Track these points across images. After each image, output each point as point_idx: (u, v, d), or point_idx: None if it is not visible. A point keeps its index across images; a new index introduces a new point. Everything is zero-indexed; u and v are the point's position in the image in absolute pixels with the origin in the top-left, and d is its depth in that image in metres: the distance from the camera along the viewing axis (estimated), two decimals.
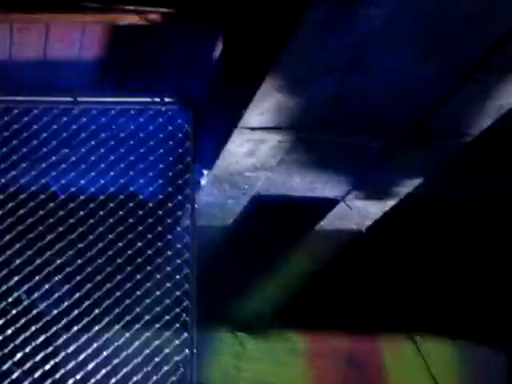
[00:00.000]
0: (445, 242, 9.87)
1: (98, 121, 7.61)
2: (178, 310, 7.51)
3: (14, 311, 8.24)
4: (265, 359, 11.26)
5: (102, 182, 7.91)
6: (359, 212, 8.74)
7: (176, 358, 7.90)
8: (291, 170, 7.75)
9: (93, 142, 7.65)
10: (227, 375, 10.63)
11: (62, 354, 9.17)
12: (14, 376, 8.96)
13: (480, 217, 9.63)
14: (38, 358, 8.71)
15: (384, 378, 10.42)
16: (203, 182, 7.66)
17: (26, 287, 9.09)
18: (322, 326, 11.04)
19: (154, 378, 9.26)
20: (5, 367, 8.78)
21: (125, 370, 8.36)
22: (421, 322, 10.51)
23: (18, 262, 8.41)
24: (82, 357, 10.75)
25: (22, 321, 8.25)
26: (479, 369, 11.24)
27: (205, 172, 7.73)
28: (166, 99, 7.53)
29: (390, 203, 8.52)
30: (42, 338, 8.59)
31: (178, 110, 7.53)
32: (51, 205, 7.84)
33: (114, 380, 8.21)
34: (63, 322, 8.96)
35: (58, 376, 9.86)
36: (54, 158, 7.70)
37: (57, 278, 8.77)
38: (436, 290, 10.36)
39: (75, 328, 8.56)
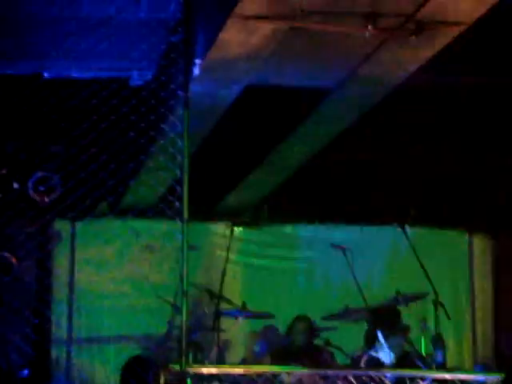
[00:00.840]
0: (437, 129, 9.54)
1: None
2: (171, 197, 7.49)
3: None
4: (257, 248, 11.44)
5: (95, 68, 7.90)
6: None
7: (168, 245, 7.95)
8: (284, 60, 7.71)
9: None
10: (217, 258, 10.77)
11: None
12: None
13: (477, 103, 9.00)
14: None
15: None
16: (196, 71, 7.61)
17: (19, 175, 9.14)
18: (308, 214, 11.17)
19: None
20: None
21: None
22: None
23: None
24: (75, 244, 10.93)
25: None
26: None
27: (197, 61, 7.67)
28: None
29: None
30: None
31: None
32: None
33: None
34: (56, 210, 9.00)
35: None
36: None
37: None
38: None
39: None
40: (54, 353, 10.15)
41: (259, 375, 8.06)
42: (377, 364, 8.47)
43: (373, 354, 8.68)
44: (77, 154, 8.27)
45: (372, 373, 8.29)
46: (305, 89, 8.42)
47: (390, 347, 8.59)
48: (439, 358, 8.91)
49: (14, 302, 8.36)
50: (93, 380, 10.40)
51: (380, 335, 8.63)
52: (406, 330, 9.07)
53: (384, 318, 9.01)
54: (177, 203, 7.23)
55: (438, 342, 9.26)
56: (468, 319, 11.34)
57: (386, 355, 8.55)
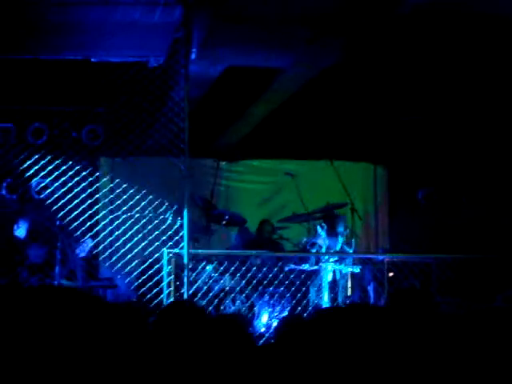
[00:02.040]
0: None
1: None
2: (176, 141, 7.56)
3: None
4: (235, 175, 11.45)
5: (126, 55, 7.88)
6: None
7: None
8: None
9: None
10: (207, 183, 10.80)
11: None
12: None
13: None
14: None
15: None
16: (193, 56, 7.65)
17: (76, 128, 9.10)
18: (269, 152, 11.14)
19: None
20: None
21: None
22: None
23: None
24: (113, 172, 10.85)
25: None
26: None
27: (193, 50, 7.69)
28: None
29: None
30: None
31: None
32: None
33: None
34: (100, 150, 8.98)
35: None
36: None
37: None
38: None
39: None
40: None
41: (236, 257, 8.28)
42: (317, 246, 8.63)
43: (314, 240, 8.85)
44: (114, 112, 8.34)
45: (310, 255, 8.56)
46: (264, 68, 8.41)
47: (326, 236, 8.73)
48: (353, 245, 9.07)
49: (75, 210, 8.35)
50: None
51: (319, 228, 8.76)
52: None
53: (328, 216, 9.11)
54: (181, 145, 7.36)
55: (353, 235, 9.45)
56: (372, 220, 11.46)
57: (322, 241, 8.69)
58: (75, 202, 8.32)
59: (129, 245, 7.82)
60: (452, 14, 6.28)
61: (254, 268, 8.20)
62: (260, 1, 6.62)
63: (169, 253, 7.31)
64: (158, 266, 7.62)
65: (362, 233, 10.70)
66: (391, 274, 8.55)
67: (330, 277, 8.26)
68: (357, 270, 8.52)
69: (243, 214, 10.35)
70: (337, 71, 8.29)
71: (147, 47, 7.94)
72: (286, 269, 8.20)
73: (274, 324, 8.16)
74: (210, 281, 8.14)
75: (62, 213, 8.06)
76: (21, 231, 8.07)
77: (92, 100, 8.96)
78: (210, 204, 9.78)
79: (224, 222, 9.84)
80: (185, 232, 7.13)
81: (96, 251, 7.95)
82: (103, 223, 8.71)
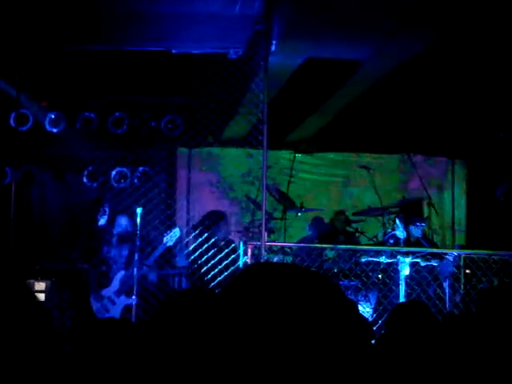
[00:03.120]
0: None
1: None
2: (255, 133, 7.57)
3: None
4: (311, 168, 11.42)
5: (206, 46, 7.93)
6: None
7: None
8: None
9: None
10: (284, 174, 10.80)
11: None
12: None
13: None
14: None
15: None
16: (273, 48, 7.65)
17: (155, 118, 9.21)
18: (344, 145, 11.05)
19: None
20: None
21: None
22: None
23: None
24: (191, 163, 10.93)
25: None
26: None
27: (274, 42, 7.70)
28: None
29: None
30: None
31: None
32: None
33: None
34: (179, 140, 9.06)
35: None
36: None
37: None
38: None
39: None
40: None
41: (312, 249, 8.26)
42: (395, 238, 8.56)
43: (392, 232, 8.70)
44: (193, 103, 8.38)
45: (385, 248, 8.45)
46: (343, 60, 8.33)
47: (407, 229, 8.58)
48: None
49: (154, 198, 8.49)
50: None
51: (398, 220, 8.61)
52: (424, 219, 9.02)
53: (406, 209, 8.95)
54: (259, 137, 7.37)
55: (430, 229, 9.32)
56: (449, 215, 11.29)
57: (400, 233, 8.54)
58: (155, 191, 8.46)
59: (205, 235, 7.90)
60: None
61: (330, 260, 8.18)
62: None
63: (245, 243, 7.34)
64: (233, 256, 7.69)
65: (438, 228, 10.51)
66: (468, 271, 8.40)
67: (407, 271, 8.15)
68: (435, 263, 8.38)
69: (318, 205, 10.37)
70: (415, 63, 8.12)
71: (227, 39, 7.97)
72: (363, 260, 8.10)
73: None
74: None
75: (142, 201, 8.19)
76: (104, 218, 8.24)
77: (172, 91, 9.06)
78: (286, 196, 9.77)
79: (299, 214, 9.84)
80: (263, 223, 7.13)
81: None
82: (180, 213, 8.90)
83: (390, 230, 8.71)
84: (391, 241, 8.43)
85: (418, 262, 8.24)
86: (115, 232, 8.21)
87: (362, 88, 9.12)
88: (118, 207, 8.55)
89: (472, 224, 10.94)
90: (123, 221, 8.20)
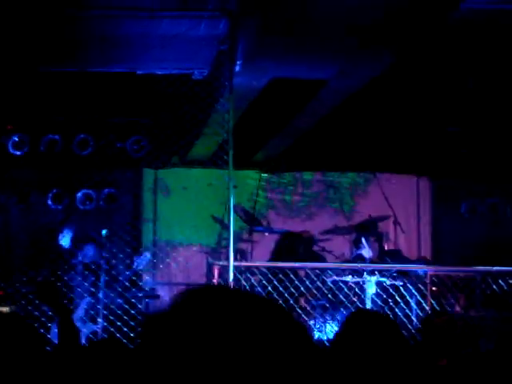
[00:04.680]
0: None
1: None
2: (220, 153, 7.55)
3: None
4: (276, 187, 11.36)
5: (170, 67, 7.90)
6: None
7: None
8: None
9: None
10: (250, 195, 10.74)
11: None
12: None
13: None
14: None
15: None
16: (237, 68, 7.64)
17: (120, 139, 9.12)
18: (309, 165, 11.00)
19: None
20: None
21: None
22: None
23: None
24: (157, 184, 10.83)
25: None
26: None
27: (238, 62, 7.69)
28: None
29: None
30: None
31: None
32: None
33: None
34: (144, 162, 8.96)
35: None
36: None
37: None
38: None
39: None
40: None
41: (279, 269, 8.21)
42: (360, 258, 8.55)
43: (358, 252, 8.72)
44: (159, 123, 8.36)
45: (353, 266, 8.46)
46: (307, 79, 8.32)
47: (370, 248, 8.61)
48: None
49: (119, 220, 8.44)
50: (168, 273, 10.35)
51: (363, 239, 8.63)
52: (380, 236, 9.07)
53: (366, 229, 8.99)
54: (225, 157, 7.34)
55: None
56: (415, 232, 11.30)
57: (366, 253, 8.56)
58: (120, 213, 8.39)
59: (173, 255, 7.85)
60: (508, 18, 6.13)
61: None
62: (305, 12, 6.57)
63: (213, 264, 7.29)
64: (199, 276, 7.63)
65: (404, 246, 10.54)
66: (434, 288, 8.43)
67: (373, 290, 8.15)
68: (400, 283, 8.40)
69: (285, 227, 10.28)
70: (380, 82, 8.16)
71: (192, 60, 7.95)
72: (329, 280, 8.09)
73: (316, 336, 8.10)
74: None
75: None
76: (65, 240, 8.14)
77: (137, 111, 9.02)
78: (253, 217, 9.74)
79: (266, 234, 9.80)
80: (230, 243, 7.09)
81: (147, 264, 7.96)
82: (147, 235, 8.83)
83: (355, 250, 8.72)
84: (358, 261, 8.46)
85: (383, 281, 8.26)
86: (81, 260, 8.09)
87: (328, 107, 9.11)
88: (84, 230, 8.46)
89: (438, 240, 10.99)
90: (91, 250, 8.10)
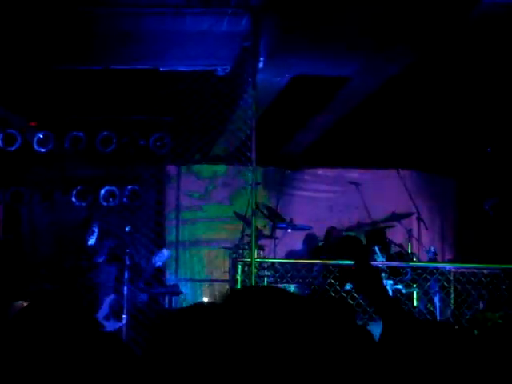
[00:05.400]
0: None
1: None
2: (244, 149, 7.54)
3: None
4: (299, 184, 11.31)
5: (194, 64, 7.91)
6: None
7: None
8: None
9: None
10: (273, 191, 10.70)
11: None
12: None
13: None
14: None
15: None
16: (260, 65, 7.65)
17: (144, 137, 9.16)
18: (340, 161, 10.97)
19: None
20: None
21: None
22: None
23: None
24: (180, 180, 10.84)
25: None
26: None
27: (261, 59, 7.69)
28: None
29: None
30: None
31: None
32: None
33: None
34: (168, 158, 8.98)
35: None
36: None
37: None
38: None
39: None
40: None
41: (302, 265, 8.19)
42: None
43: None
44: (182, 120, 8.35)
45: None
46: (331, 76, 8.32)
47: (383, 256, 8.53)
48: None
49: (142, 217, 8.45)
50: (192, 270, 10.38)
51: (377, 249, 8.54)
52: (388, 245, 9.00)
53: (375, 238, 8.91)
54: (248, 153, 7.34)
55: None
56: (439, 229, 11.24)
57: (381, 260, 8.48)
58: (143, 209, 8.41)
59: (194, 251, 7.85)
60: None
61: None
62: (328, 9, 6.56)
63: (235, 259, 7.30)
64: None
65: (427, 243, 10.48)
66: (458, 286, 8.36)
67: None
68: (414, 290, 8.31)
69: (308, 222, 10.27)
70: (404, 79, 8.14)
71: (215, 56, 7.97)
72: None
73: None
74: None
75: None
76: (93, 238, 8.17)
77: (160, 108, 9.03)
78: (275, 213, 9.72)
79: (289, 231, 9.79)
80: (252, 240, 7.09)
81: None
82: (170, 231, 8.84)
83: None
84: None
85: (399, 289, 8.18)
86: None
87: (351, 104, 9.10)
88: (108, 227, 8.49)
89: (461, 238, 10.91)
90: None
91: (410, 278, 8.11)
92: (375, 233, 9.19)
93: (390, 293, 7.97)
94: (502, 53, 7.00)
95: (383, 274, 8.02)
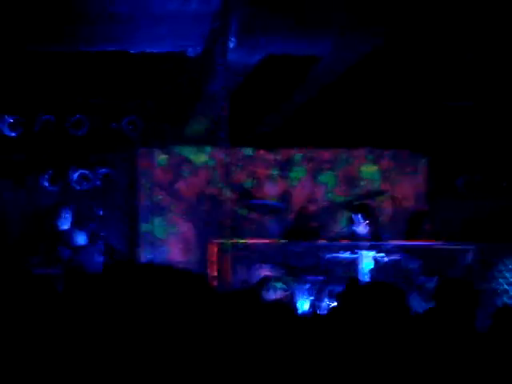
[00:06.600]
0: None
1: None
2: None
3: None
4: (272, 164, 11.19)
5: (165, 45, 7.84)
6: None
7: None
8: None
9: None
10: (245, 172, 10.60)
11: None
12: None
13: None
14: None
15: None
16: (231, 45, 7.59)
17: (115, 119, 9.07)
18: (313, 141, 10.91)
19: None
20: None
21: None
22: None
23: None
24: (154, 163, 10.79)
25: None
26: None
27: (232, 39, 7.63)
28: None
29: None
30: None
31: None
32: None
33: None
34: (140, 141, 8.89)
35: None
36: None
37: None
38: None
39: None
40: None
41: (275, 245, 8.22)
42: (355, 234, 8.57)
43: (353, 227, 8.73)
44: (153, 103, 8.30)
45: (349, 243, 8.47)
46: (302, 56, 8.27)
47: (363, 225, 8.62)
48: None
49: (115, 201, 8.41)
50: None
51: (360, 217, 8.61)
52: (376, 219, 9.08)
53: (363, 209, 8.98)
54: (220, 134, 7.31)
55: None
56: (411, 208, 11.18)
57: (362, 230, 8.56)
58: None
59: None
60: None
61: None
62: None
63: (211, 241, 7.29)
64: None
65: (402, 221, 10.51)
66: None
67: (370, 265, 8.15)
68: (397, 257, 8.41)
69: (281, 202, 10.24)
70: (376, 56, 8.09)
71: (185, 37, 7.88)
72: (327, 256, 8.09)
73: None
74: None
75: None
76: (65, 222, 8.11)
77: (132, 91, 8.97)
78: (249, 193, 9.71)
79: (263, 212, 9.78)
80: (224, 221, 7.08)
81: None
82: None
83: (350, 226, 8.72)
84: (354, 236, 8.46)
85: (381, 257, 8.26)
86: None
87: (323, 83, 9.04)
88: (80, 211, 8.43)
89: (434, 215, 10.94)
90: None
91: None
92: (361, 205, 9.21)
93: (372, 262, 8.08)
94: (478, 24, 6.98)
95: (366, 244, 8.15)
